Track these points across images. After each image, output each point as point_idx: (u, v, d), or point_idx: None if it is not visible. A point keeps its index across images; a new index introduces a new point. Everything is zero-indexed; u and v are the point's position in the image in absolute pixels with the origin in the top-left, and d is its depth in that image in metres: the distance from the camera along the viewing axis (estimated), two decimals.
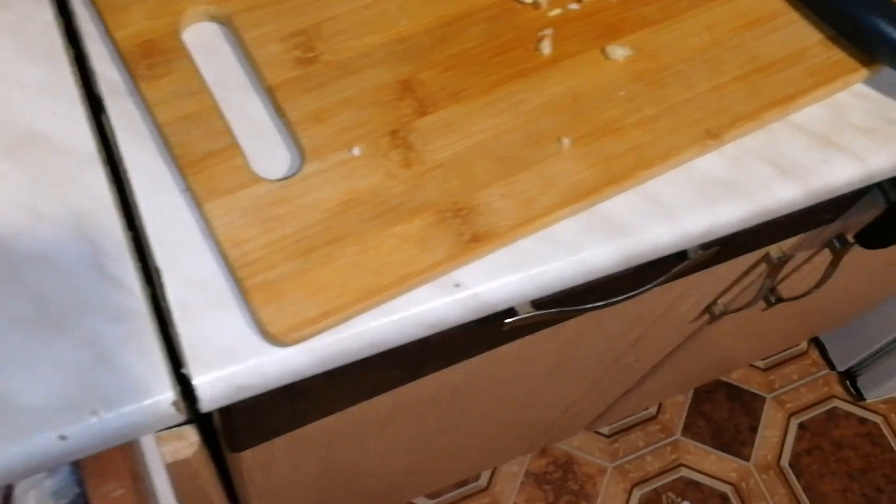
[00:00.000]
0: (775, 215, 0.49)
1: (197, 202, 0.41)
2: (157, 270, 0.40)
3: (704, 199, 0.47)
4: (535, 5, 0.49)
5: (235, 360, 0.40)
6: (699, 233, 0.47)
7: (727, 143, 0.48)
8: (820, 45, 0.52)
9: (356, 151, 0.43)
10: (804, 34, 0.52)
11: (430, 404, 0.74)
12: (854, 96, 0.52)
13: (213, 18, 0.46)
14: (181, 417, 0.40)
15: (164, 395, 0.38)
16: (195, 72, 0.44)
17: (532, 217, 0.43)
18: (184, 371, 0.39)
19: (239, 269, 0.40)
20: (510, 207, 0.43)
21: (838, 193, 0.50)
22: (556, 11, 0.50)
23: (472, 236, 0.42)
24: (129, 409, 0.38)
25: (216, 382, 0.39)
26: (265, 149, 0.44)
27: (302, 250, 0.41)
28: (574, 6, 0.50)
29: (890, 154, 0.50)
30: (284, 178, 0.42)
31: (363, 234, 0.41)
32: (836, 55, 0.51)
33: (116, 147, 0.42)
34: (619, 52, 0.49)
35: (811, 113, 0.51)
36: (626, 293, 0.58)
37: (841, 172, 0.49)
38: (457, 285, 0.42)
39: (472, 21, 0.48)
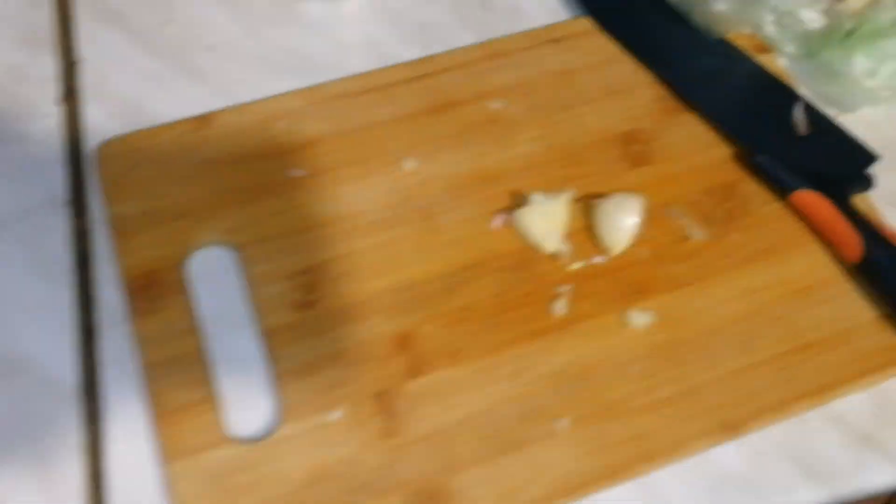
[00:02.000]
0: None
1: (163, 459, 0.40)
2: None
3: (712, 500, 0.43)
4: (555, 257, 0.47)
5: None
6: None
7: (749, 434, 0.44)
8: (872, 325, 0.47)
9: (336, 415, 0.42)
10: (855, 310, 0.47)
11: None
12: None
13: (223, 245, 0.46)
14: None
15: None
16: (190, 308, 0.43)
17: None
18: None
19: None
20: (489, 497, 0.41)
21: (869, 497, 0.45)
22: (579, 265, 0.47)
23: None
24: None
25: None
26: (247, 395, 0.43)
27: None
28: (599, 259, 0.47)
29: None
30: (256, 439, 0.41)
31: None
32: (891, 339, 0.46)
33: (99, 383, 0.42)
34: (639, 318, 0.45)
35: (852, 401, 0.46)
36: None
37: (877, 478, 0.44)
38: None
39: (488, 269, 0.46)
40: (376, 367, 0.43)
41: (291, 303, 0.44)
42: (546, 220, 0.46)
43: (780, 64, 0.55)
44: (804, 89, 0.55)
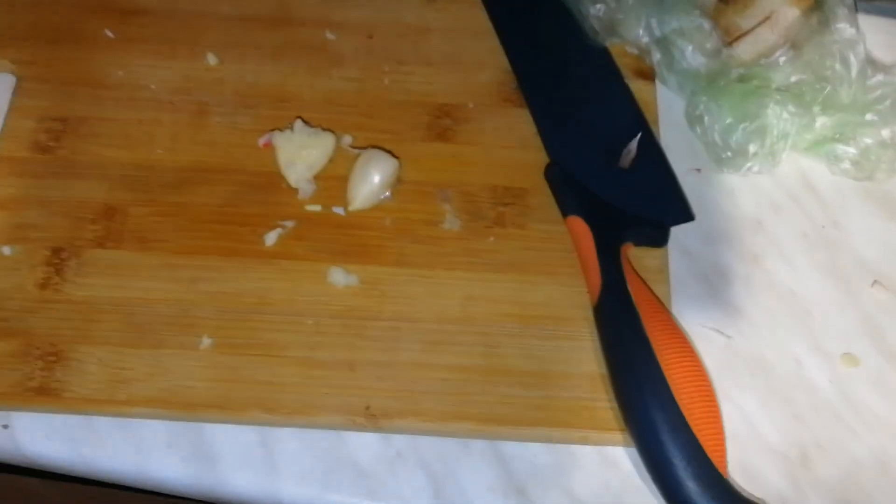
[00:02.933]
0: None
1: None
2: None
3: (326, 487, 0.40)
4: (295, 191, 0.45)
5: None
6: None
7: (393, 433, 0.41)
8: (582, 379, 0.42)
9: (7, 250, 0.43)
10: (576, 358, 0.42)
11: None
12: (602, 462, 0.41)
13: (7, 72, 0.48)
14: None
15: None
16: None
17: (114, 400, 0.40)
18: None
19: None
20: (99, 377, 0.40)
21: None
22: (315, 207, 0.45)
23: (39, 386, 0.40)
24: None
25: None
26: None
27: None
28: (339, 210, 0.45)
29: None
30: None
31: None
32: (601, 403, 0.41)
33: None
34: (340, 277, 0.43)
35: (529, 449, 0.42)
36: None
37: None
38: (5, 426, 0.41)
39: (228, 180, 0.46)
40: (71, 225, 0.44)
41: (32, 143, 0.46)
42: (297, 151, 0.45)
43: (656, 95, 0.50)
44: (674, 130, 0.49)
